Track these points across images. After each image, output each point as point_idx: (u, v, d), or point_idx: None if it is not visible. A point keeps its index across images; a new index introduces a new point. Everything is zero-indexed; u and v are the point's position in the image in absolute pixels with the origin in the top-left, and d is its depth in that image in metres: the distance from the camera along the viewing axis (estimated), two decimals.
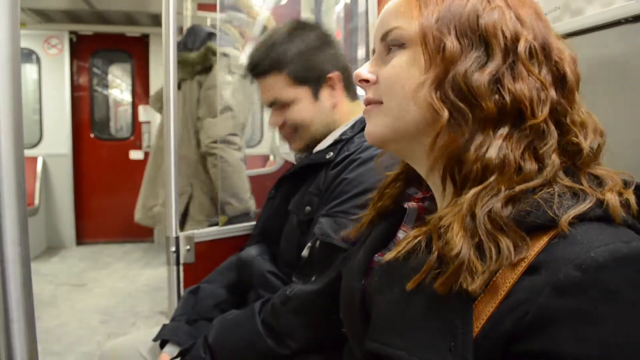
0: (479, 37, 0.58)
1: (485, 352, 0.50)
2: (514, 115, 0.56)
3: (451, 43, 0.58)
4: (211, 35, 2.42)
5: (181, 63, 2.36)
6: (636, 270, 0.48)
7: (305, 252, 1.08)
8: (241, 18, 2.42)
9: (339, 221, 1.03)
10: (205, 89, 2.35)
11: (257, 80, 1.23)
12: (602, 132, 0.59)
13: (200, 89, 2.40)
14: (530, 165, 0.55)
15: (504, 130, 0.56)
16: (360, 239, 0.79)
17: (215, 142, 2.25)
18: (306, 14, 2.33)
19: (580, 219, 0.51)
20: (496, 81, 0.56)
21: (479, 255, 0.51)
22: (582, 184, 0.54)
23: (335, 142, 1.19)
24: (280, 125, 1.23)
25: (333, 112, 1.22)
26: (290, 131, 1.23)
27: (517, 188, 0.53)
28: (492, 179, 0.54)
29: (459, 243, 0.51)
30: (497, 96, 0.56)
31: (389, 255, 0.61)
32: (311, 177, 1.19)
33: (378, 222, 0.76)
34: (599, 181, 0.56)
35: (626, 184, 0.56)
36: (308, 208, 1.14)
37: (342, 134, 1.19)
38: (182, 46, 2.43)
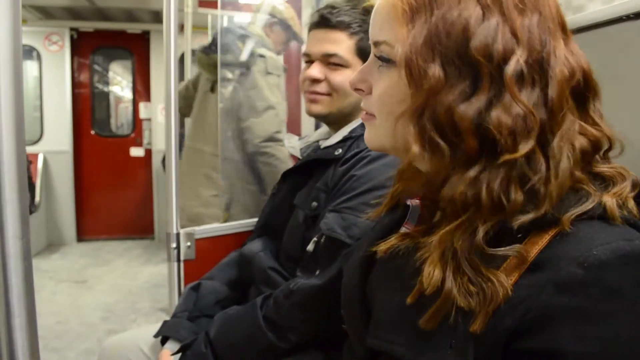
0: (467, 64, 0.52)
1: (486, 349, 0.50)
2: (492, 146, 0.52)
3: (434, 71, 0.53)
4: (244, 37, 2.42)
5: (214, 65, 2.37)
6: (638, 268, 0.47)
7: (310, 247, 1.08)
8: (266, 19, 2.42)
9: (346, 217, 1.03)
10: (247, 90, 2.37)
11: (320, 29, 1.19)
12: (608, 137, 0.57)
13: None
14: (514, 197, 0.51)
15: (481, 165, 0.52)
16: (365, 235, 0.79)
17: (265, 140, 2.28)
18: (307, 12, 2.32)
19: (582, 217, 0.51)
20: (480, 114, 0.52)
21: (472, 288, 0.50)
22: (585, 184, 0.54)
23: (345, 139, 1.18)
24: (315, 80, 1.19)
25: None
26: (325, 91, 1.19)
27: (516, 222, 0.51)
28: (466, 215, 0.52)
29: (435, 282, 0.51)
30: (479, 130, 0.52)
31: (378, 248, 0.62)
32: (318, 173, 1.19)
33: (386, 214, 0.76)
34: (606, 181, 0.55)
35: (634, 186, 0.55)
36: (314, 204, 1.14)
37: (351, 132, 1.19)
38: (214, 48, 2.43)
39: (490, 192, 0.51)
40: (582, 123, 0.55)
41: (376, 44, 0.61)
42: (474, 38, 0.52)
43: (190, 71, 3.04)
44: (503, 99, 0.52)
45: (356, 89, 0.67)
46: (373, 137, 0.66)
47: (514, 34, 0.52)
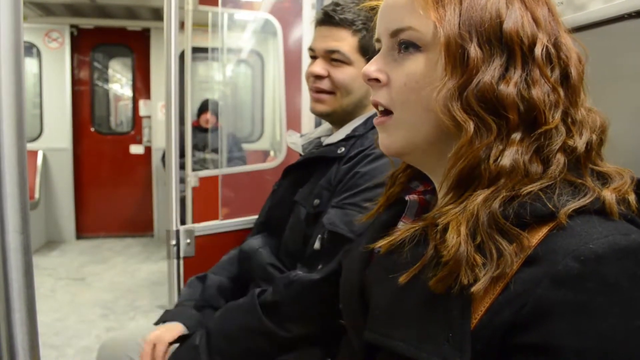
0: (503, 44, 0.57)
1: (483, 343, 0.50)
2: (528, 120, 0.56)
3: (474, 50, 0.56)
4: None
5: None
6: (635, 262, 0.48)
7: (317, 245, 1.08)
8: None
9: (349, 212, 1.04)
10: None
11: (324, 26, 1.19)
12: (604, 128, 0.59)
13: None
14: (536, 168, 0.55)
15: (516, 136, 0.56)
16: (364, 231, 0.80)
17: None
18: (307, 10, 2.32)
19: (580, 212, 0.51)
20: (520, 90, 0.56)
21: (481, 257, 0.51)
22: (584, 179, 0.55)
23: (348, 138, 1.19)
24: (319, 77, 1.20)
25: (369, 98, 1.21)
26: (328, 88, 1.20)
27: (524, 190, 0.53)
28: (500, 182, 0.54)
29: (457, 243, 0.52)
30: (519, 105, 0.56)
31: (380, 243, 0.62)
32: (320, 170, 1.19)
33: (383, 211, 0.77)
34: (604, 178, 0.56)
35: (632, 181, 0.56)
36: (317, 201, 1.15)
37: (354, 130, 1.19)
38: None
39: (524, 161, 0.55)
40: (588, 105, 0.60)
41: (397, 32, 0.61)
42: (506, 21, 0.56)
43: (190, 69, 3.03)
44: (534, 78, 0.56)
45: (370, 80, 0.65)
46: (393, 137, 0.64)
47: (535, 20, 0.58)
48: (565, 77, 0.58)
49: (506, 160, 0.55)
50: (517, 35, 0.56)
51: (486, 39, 0.57)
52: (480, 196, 0.54)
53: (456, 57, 0.56)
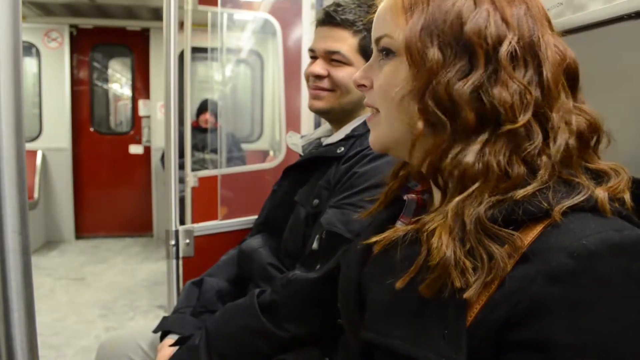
0: (462, 46, 0.57)
1: (478, 339, 0.51)
2: (495, 121, 0.56)
3: (433, 54, 0.58)
4: None
5: None
6: (628, 258, 0.48)
7: (315, 245, 1.09)
8: None
9: (346, 212, 1.04)
10: None
11: (325, 27, 1.19)
12: (593, 128, 0.58)
13: None
14: (517, 169, 0.54)
15: (484, 137, 0.56)
16: (363, 230, 0.80)
17: None
18: (307, 10, 2.32)
19: (574, 209, 0.52)
20: (477, 89, 0.56)
21: (472, 261, 0.51)
22: (578, 177, 0.55)
23: (347, 137, 1.19)
24: (319, 76, 1.20)
25: None
26: (328, 87, 1.20)
27: (518, 194, 0.53)
28: (475, 186, 0.55)
29: (443, 250, 0.52)
30: (478, 104, 0.56)
31: (375, 239, 0.63)
32: (319, 170, 1.19)
33: (383, 210, 0.77)
34: (599, 176, 0.56)
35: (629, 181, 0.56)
36: (316, 201, 1.15)
37: (353, 130, 1.19)
38: None
39: (498, 163, 0.54)
40: (577, 104, 0.59)
41: (378, 40, 0.65)
42: (468, 23, 0.57)
43: (190, 69, 3.03)
44: (500, 78, 0.56)
45: (359, 85, 0.70)
46: (376, 135, 0.68)
47: (505, 20, 0.58)
48: (540, 77, 0.57)
49: (470, 159, 0.55)
50: (477, 36, 0.57)
51: (447, 42, 0.58)
52: (454, 200, 0.55)
53: (418, 60, 0.59)
